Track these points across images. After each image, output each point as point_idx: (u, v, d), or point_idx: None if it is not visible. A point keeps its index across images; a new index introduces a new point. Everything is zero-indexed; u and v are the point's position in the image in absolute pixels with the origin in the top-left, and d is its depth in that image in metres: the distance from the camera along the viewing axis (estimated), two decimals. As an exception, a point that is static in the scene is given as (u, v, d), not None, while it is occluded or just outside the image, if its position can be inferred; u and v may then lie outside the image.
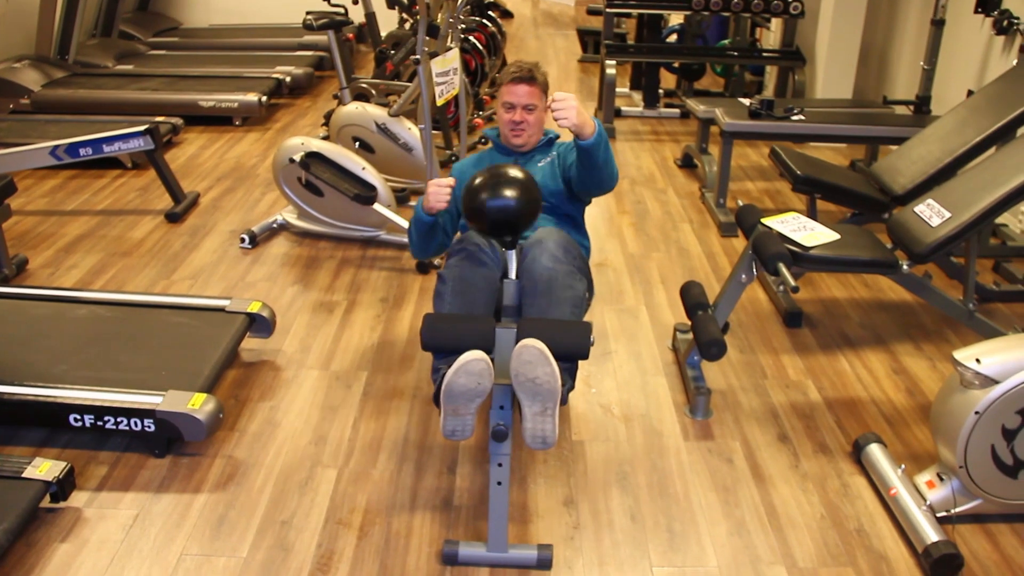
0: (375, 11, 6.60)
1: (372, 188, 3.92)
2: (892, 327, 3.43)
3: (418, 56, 3.62)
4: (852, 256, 2.79)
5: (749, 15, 6.16)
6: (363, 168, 3.95)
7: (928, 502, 2.31)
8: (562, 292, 2.37)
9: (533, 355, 2.05)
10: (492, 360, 2.12)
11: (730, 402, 2.92)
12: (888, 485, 2.42)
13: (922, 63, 4.69)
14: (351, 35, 7.37)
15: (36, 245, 4.06)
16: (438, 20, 4.08)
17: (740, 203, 3.08)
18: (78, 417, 2.55)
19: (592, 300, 2.74)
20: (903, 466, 2.46)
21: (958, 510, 2.31)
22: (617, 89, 6.16)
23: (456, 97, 4.10)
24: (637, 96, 6.68)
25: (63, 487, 2.34)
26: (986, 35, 4.45)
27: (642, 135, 5.99)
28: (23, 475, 2.31)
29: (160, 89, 6.12)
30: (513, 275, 2.45)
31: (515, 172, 2.38)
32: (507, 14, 10.50)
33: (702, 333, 2.75)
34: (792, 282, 2.50)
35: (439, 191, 2.58)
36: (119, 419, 2.53)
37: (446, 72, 3.74)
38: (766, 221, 2.86)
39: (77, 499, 2.42)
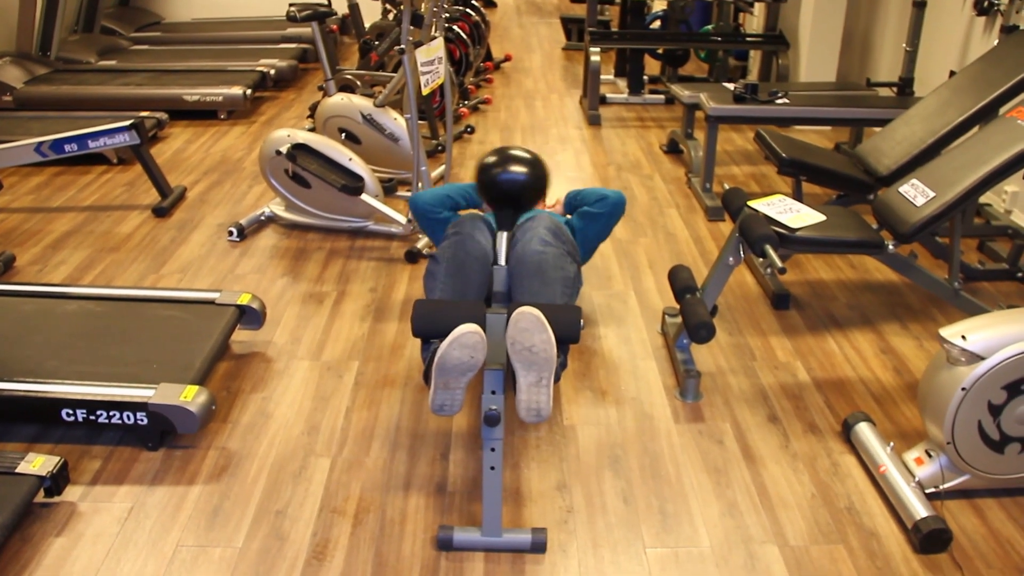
0: (358, 2, 6.59)
1: (359, 179, 3.92)
2: (879, 307, 3.46)
3: (403, 46, 3.62)
4: (838, 237, 2.81)
5: (732, 0, 6.18)
6: (350, 159, 3.95)
7: (917, 479, 2.34)
8: (553, 273, 2.39)
9: (530, 322, 2.07)
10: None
11: (720, 384, 2.94)
12: (877, 463, 2.45)
13: (904, 45, 4.71)
14: (335, 26, 7.34)
15: (23, 242, 4.04)
16: (422, 9, 4.07)
17: (726, 187, 3.10)
18: (70, 412, 2.55)
19: (581, 287, 2.76)
20: (892, 444, 2.49)
21: (946, 486, 2.34)
22: (602, 76, 6.17)
23: (441, 86, 4.10)
24: (622, 83, 6.70)
25: (57, 482, 2.34)
26: (967, 16, 4.48)
27: (627, 122, 6.00)
28: (16, 470, 2.32)
29: (144, 84, 6.09)
30: (503, 261, 2.47)
31: (525, 152, 2.48)
32: (490, 3, 10.50)
33: (691, 316, 2.77)
34: (779, 263, 2.51)
35: None
36: (111, 413, 2.53)
37: (431, 61, 3.74)
38: (752, 204, 2.88)
39: (71, 493, 2.42)
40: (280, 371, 3.01)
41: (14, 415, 2.66)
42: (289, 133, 4.01)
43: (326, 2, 4.89)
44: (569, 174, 4.95)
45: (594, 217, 2.96)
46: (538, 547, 2.21)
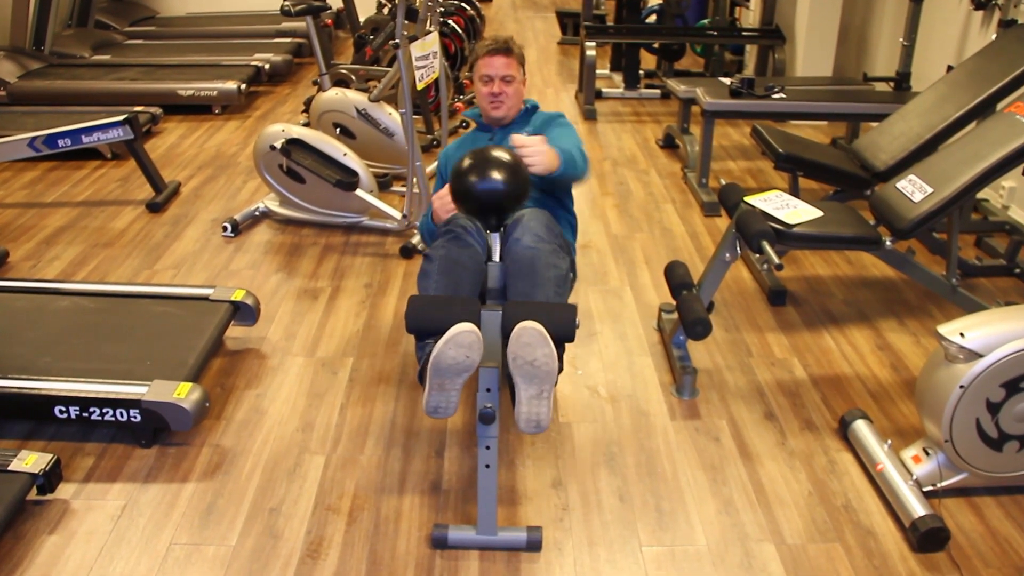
0: (353, -4, 6.55)
1: (354, 174, 3.90)
2: (876, 303, 3.45)
3: (397, 40, 3.60)
4: (835, 233, 2.80)
5: (729, -6, 6.16)
6: (344, 154, 3.93)
7: (914, 477, 2.33)
8: (545, 272, 2.37)
9: (533, 337, 2.05)
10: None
11: (716, 381, 2.93)
12: (874, 461, 2.44)
13: (901, 39, 4.70)
14: (329, 21, 7.31)
15: (16, 238, 4.01)
16: (417, 4, 4.05)
17: (723, 182, 3.08)
18: (63, 409, 2.54)
19: (575, 282, 2.75)
20: (889, 441, 2.48)
21: (944, 484, 2.33)
22: (597, 71, 6.14)
23: (436, 81, 4.07)
24: (617, 77, 6.68)
25: (50, 479, 2.33)
26: (964, 10, 4.47)
27: (623, 116, 5.98)
28: (9, 468, 2.30)
29: (138, 79, 6.06)
30: (497, 257, 2.45)
31: (503, 154, 2.38)
32: (486, -3, 10.45)
33: (687, 313, 2.76)
34: (776, 260, 2.50)
35: (444, 203, 2.61)
36: (104, 410, 2.52)
37: (426, 56, 3.72)
38: (749, 199, 2.86)
39: (64, 491, 2.41)
40: (274, 368, 2.99)
41: (7, 412, 2.64)
42: (283, 128, 3.99)
43: (321, -4, 4.86)
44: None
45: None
46: (533, 545, 2.19)
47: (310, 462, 2.53)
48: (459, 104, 5.95)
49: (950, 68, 3.76)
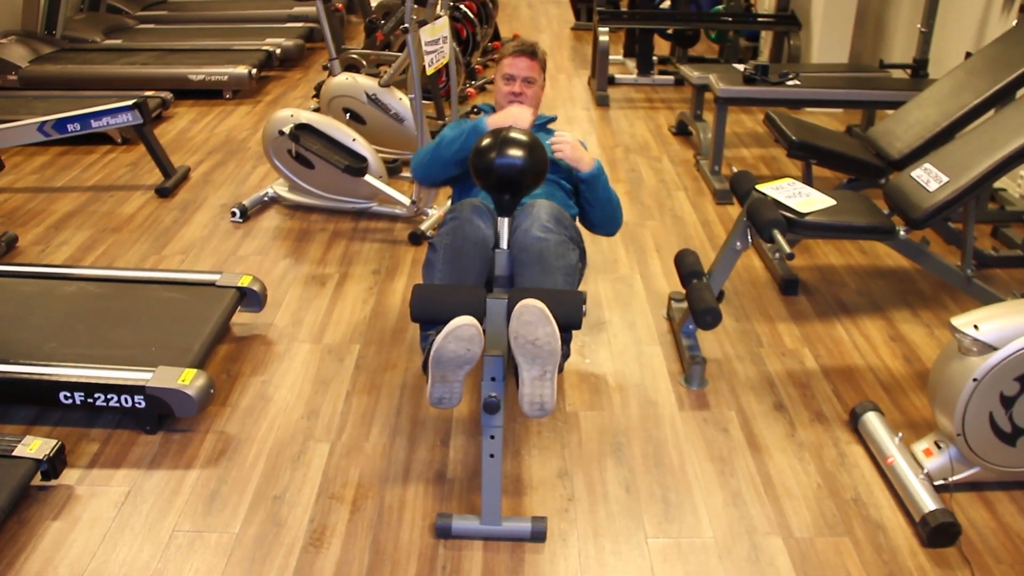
0: (365, -20, 6.51)
1: (363, 159, 3.87)
2: (889, 294, 3.40)
3: (406, 25, 3.56)
4: (848, 222, 2.76)
5: (744, -21, 6.09)
6: (353, 139, 3.90)
7: (925, 470, 2.30)
8: (554, 261, 2.34)
9: (534, 315, 2.03)
10: (484, 331, 2.10)
11: (726, 371, 2.90)
12: (885, 454, 2.41)
13: (919, 26, 4.62)
14: (340, 5, 7.27)
15: (26, 222, 4.01)
16: (427, -12, 4.01)
17: (734, 170, 3.04)
18: (68, 394, 2.53)
19: (585, 270, 2.72)
20: (900, 434, 2.44)
21: (956, 478, 2.29)
22: (611, 57, 6.10)
23: (447, 66, 4.04)
24: (631, 63, 6.62)
25: (54, 465, 2.32)
26: (984, -4, 4.39)
27: (636, 103, 5.93)
28: (13, 454, 2.29)
29: (149, 63, 6.04)
30: (504, 245, 2.42)
31: (522, 134, 2.36)
32: (500, -18, 10.37)
33: (697, 302, 2.72)
34: (787, 249, 2.46)
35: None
36: (109, 396, 2.51)
37: (435, 41, 3.69)
38: (761, 187, 2.82)
39: (69, 476, 2.40)
40: (280, 354, 2.98)
41: (13, 397, 2.63)
42: (292, 113, 3.96)
43: (332, -20, 4.84)
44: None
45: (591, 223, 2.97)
46: (538, 536, 2.17)
47: (314, 450, 2.51)
48: (471, 90, 5.91)
49: (968, 55, 3.69)
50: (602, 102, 5.86)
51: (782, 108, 4.46)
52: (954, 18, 4.70)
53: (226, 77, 5.87)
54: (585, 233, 2.84)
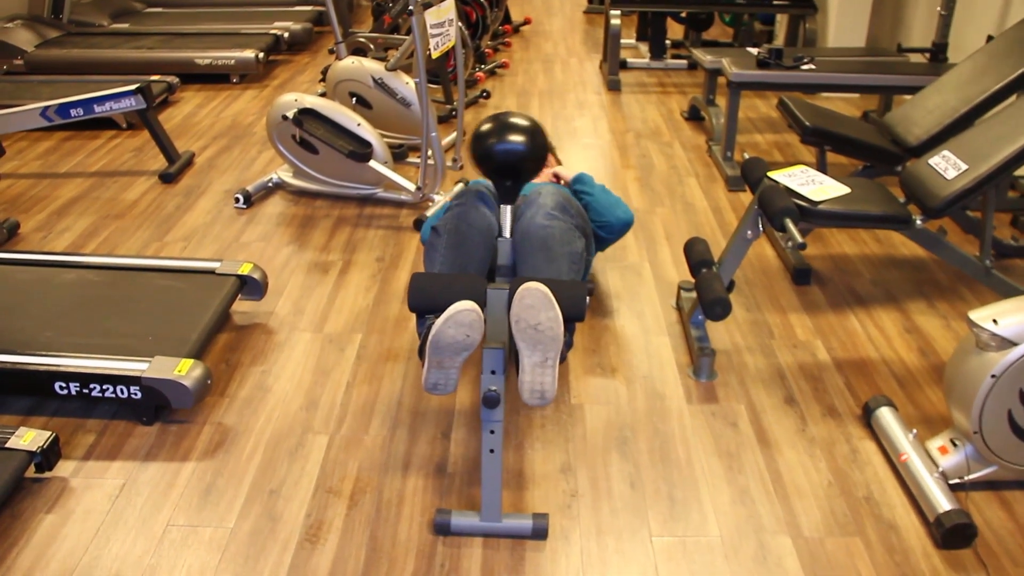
0: (374, -37, 6.42)
1: (367, 145, 3.81)
2: (904, 284, 3.32)
3: (411, 7, 3.48)
4: (863, 211, 2.67)
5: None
6: (358, 124, 3.84)
7: (940, 469, 2.22)
8: (559, 248, 2.27)
9: (536, 299, 1.96)
10: (484, 321, 2.03)
11: (735, 363, 2.83)
12: (899, 451, 2.33)
13: (939, 8, 4.50)
14: (350, -12, 7.20)
15: (28, 208, 3.97)
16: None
17: (746, 156, 2.96)
18: (63, 385, 2.48)
19: (592, 261, 2.65)
20: (915, 431, 2.37)
21: (972, 477, 2.22)
22: (623, 40, 6.00)
23: (454, 50, 3.96)
24: (643, 47, 6.52)
25: (48, 457, 2.27)
26: (1006, -22, 4.28)
27: (648, 87, 5.84)
28: (7, 445, 2.25)
29: (156, 47, 5.99)
30: (507, 233, 2.36)
31: (523, 119, 2.31)
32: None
33: (706, 292, 2.65)
34: (799, 238, 2.39)
35: None
36: (105, 386, 2.46)
37: (441, 24, 3.61)
38: (773, 175, 2.74)
39: (63, 468, 2.36)
40: (281, 343, 2.92)
41: (8, 388, 2.59)
42: (296, 98, 3.90)
43: (339, -38, 4.76)
44: (586, 140, 4.80)
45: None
46: (539, 533, 2.12)
47: (313, 442, 2.46)
48: (480, 74, 5.83)
49: (990, 38, 3.58)
50: (614, 87, 5.77)
51: (796, 93, 4.37)
52: (975, 0, 4.58)
53: (233, 61, 5.81)
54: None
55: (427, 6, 3.51)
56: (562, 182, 2.76)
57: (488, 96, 5.55)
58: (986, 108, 3.21)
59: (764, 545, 2.11)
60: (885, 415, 2.46)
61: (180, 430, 2.51)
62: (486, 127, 2.28)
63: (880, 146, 3.24)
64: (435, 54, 3.66)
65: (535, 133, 2.26)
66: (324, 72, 5.54)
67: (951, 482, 2.20)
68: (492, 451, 2.07)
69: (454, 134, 4.67)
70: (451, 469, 2.36)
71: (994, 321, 2.05)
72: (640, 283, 3.31)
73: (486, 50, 6.19)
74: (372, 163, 3.80)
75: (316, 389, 2.69)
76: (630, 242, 3.61)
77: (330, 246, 3.59)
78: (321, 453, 2.42)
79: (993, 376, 2.05)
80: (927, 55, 4.53)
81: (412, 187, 3.85)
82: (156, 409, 2.53)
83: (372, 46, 5.36)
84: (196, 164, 4.50)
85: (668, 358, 2.85)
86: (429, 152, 3.79)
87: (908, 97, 3.56)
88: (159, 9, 7.26)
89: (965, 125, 3.18)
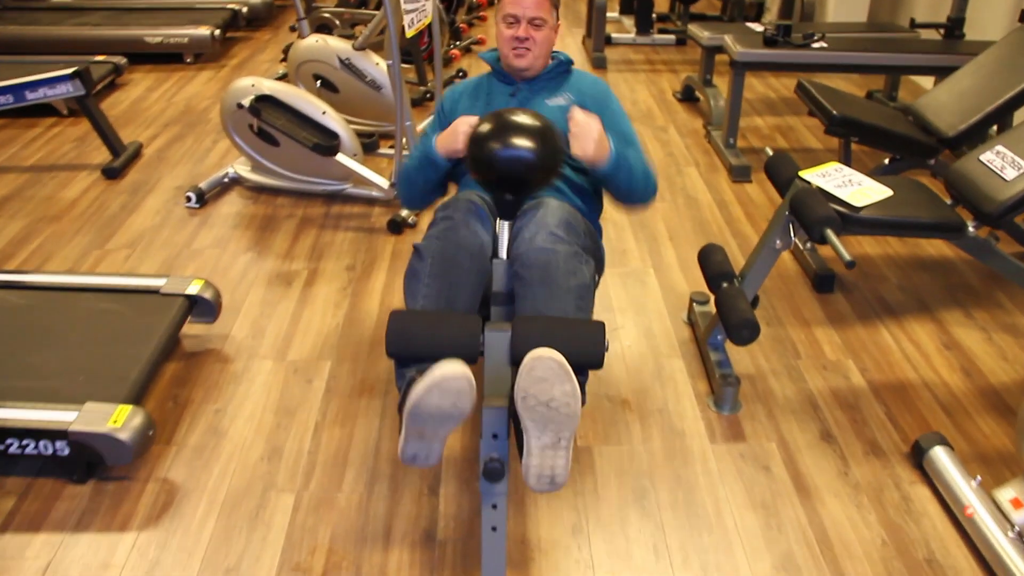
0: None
1: (334, 136, 3.40)
2: (935, 289, 2.99)
3: (383, -19, 3.07)
4: (912, 218, 2.32)
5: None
6: (324, 113, 3.42)
7: (1017, 527, 1.89)
8: (564, 280, 1.89)
9: (549, 370, 1.59)
10: (479, 376, 1.65)
11: (760, 390, 2.48)
12: (962, 503, 2.00)
13: (954, -21, 4.15)
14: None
15: (-48, 209, 3.53)
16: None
17: (769, 151, 2.59)
18: (-26, 438, 2.08)
19: (601, 278, 2.27)
20: (979, 477, 2.04)
21: (1056, 538, 1.89)
22: (607, 14, 5.59)
23: (429, 26, 3.55)
24: (628, 21, 6.12)
25: (-46, 531, 1.89)
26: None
27: (635, 65, 5.45)
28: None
29: (101, 24, 5.51)
30: (503, 254, 1.98)
31: (534, 118, 1.92)
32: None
33: (730, 312, 2.29)
34: (847, 256, 2.03)
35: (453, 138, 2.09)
36: (24, 442, 2.06)
37: (416, -1, 3.20)
38: (805, 175, 2.38)
39: (-24, 541, 1.97)
40: (238, 374, 2.53)
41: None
42: (254, 83, 3.47)
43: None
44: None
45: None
46: (551, 622, 1.76)
47: (276, 502, 2.08)
48: (455, 51, 5.41)
49: (1024, 13, 3.24)
50: (599, 64, 5.37)
51: (799, 73, 4.01)
52: (991, -30, 4.24)
53: (187, 39, 5.35)
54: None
55: (400, -20, 3.10)
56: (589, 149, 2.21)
57: (465, 76, 5.13)
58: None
59: (819, 631, 1.78)
60: (940, 457, 2.13)
61: (118, 489, 2.12)
62: (486, 127, 1.89)
63: (914, 137, 2.89)
64: (410, 32, 3.25)
65: (547, 136, 1.87)
66: (286, 51, 5.10)
67: (1035, 548, 1.87)
68: (495, 528, 1.71)
69: (430, 118, 4.27)
70: (441, 536, 1.99)
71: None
72: (645, 293, 2.95)
73: (461, 25, 5.77)
74: (339, 157, 3.39)
75: (279, 433, 2.31)
76: (631, 245, 3.25)
77: (294, 252, 3.19)
78: (286, 517, 2.04)
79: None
80: (941, 31, 4.18)
81: (385, 183, 3.45)
82: (89, 465, 2.13)
83: (338, 22, 4.92)
84: (144, 156, 4.06)
85: (684, 386, 2.50)
86: (403, 142, 3.39)
87: (914, 77, 3.20)
88: (105, -19, 6.73)
89: (1006, 114, 2.84)
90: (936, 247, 3.24)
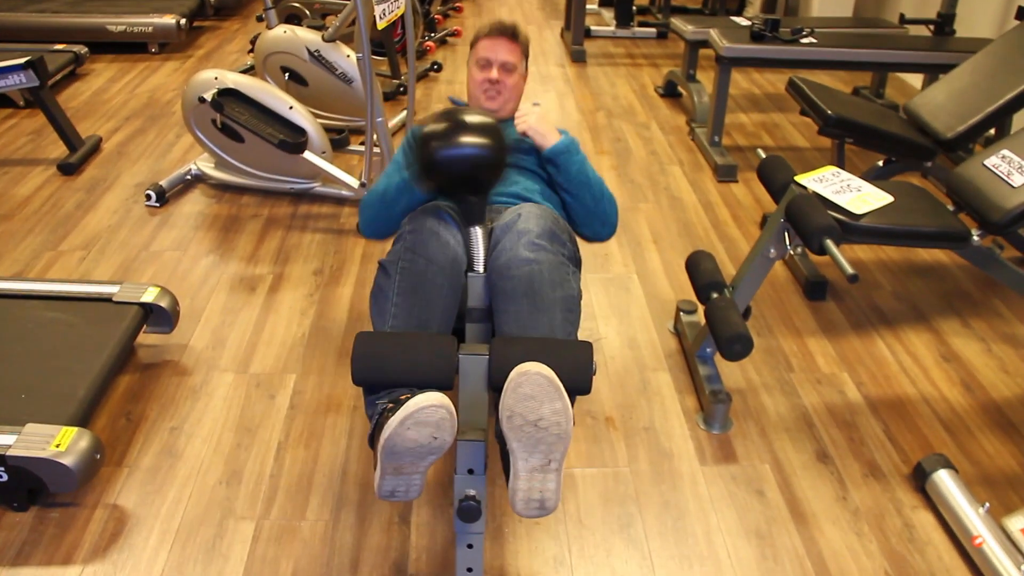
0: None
1: (301, 132, 3.23)
2: (931, 296, 2.87)
3: (353, -32, 2.90)
4: (915, 226, 2.19)
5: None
6: (290, 108, 3.25)
7: (1030, 560, 1.77)
8: (549, 292, 1.74)
9: (537, 387, 1.44)
10: (456, 410, 1.50)
11: (752, 406, 2.35)
12: (970, 532, 1.88)
13: (944, -26, 4.04)
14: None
15: None
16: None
17: (761, 153, 2.46)
18: (-96, 463, 1.91)
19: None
20: (987, 504, 1.92)
21: (1072, 573, 1.77)
22: (587, 6, 5.44)
23: (402, 18, 3.38)
24: (608, 14, 5.98)
25: None
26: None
27: (616, 59, 5.30)
28: None
29: (61, 11, 5.27)
30: (481, 266, 1.84)
31: (474, 114, 1.83)
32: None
33: (721, 325, 2.16)
34: (849, 269, 1.89)
35: None
36: (-43, 467, 1.89)
37: (389, -12, 3.03)
38: (801, 180, 2.25)
39: (-97, 577, 1.80)
40: (196, 388, 2.36)
41: None
42: (217, 75, 3.29)
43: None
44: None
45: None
46: (532, 668, 1.62)
47: (235, 532, 1.92)
48: (429, 44, 5.24)
49: (1022, 11, 3.12)
50: (578, 57, 5.22)
51: (787, 70, 3.88)
52: (982, -35, 4.13)
53: (151, 28, 5.14)
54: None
55: (371, -33, 2.93)
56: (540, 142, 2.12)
57: (440, 69, 4.97)
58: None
59: (822, 677, 1.65)
60: (944, 481, 2.01)
61: (63, 517, 1.95)
62: (429, 129, 1.78)
63: (912, 139, 2.76)
64: (381, 23, 3.08)
65: (490, 130, 1.79)
66: (253, 42, 4.90)
67: (1052, 586, 1.75)
68: (470, 570, 1.56)
69: (403, 114, 4.10)
70: (412, 569, 1.84)
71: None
72: (629, 300, 2.81)
73: (436, 16, 5.59)
74: (307, 154, 3.22)
75: (239, 454, 2.14)
76: (613, 249, 3.10)
77: (258, 255, 3.02)
78: (246, 548, 1.88)
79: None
80: (931, 27, 4.07)
81: (355, 183, 3.28)
82: (31, 492, 1.96)
83: (308, 12, 4.73)
84: (103, 151, 3.87)
85: (671, 401, 2.36)
86: (374, 138, 3.22)
87: (901, 75, 3.08)
88: (67, -33, 6.49)
89: (1006, 115, 2.72)
90: (931, 252, 3.12)
